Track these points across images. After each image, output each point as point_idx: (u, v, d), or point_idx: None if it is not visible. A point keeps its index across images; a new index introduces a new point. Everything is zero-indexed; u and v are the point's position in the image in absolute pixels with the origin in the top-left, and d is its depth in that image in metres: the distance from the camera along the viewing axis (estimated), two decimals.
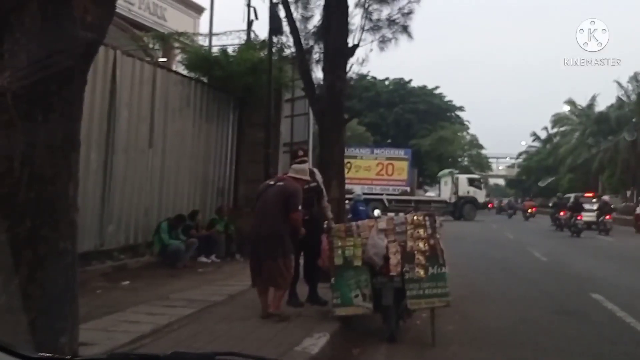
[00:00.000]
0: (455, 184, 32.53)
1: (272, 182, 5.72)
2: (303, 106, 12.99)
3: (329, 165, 7.93)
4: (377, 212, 24.75)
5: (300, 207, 5.43)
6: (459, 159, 48.32)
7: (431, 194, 43.20)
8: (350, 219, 9.79)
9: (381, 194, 29.40)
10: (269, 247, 5.29)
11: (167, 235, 9.03)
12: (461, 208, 31.58)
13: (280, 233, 5.28)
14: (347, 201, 12.94)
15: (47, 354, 1.62)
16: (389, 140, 45.86)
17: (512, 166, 65.74)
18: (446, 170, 36.17)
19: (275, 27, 10.25)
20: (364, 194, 24.02)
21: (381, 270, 5.06)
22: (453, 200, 31.77)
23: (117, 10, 3.58)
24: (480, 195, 32.70)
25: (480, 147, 49.88)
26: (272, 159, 11.08)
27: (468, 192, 32.15)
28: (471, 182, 33.00)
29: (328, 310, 5.52)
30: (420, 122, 47.36)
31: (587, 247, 15.76)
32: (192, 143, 10.67)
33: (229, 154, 12.03)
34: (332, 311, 5.25)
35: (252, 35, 13.57)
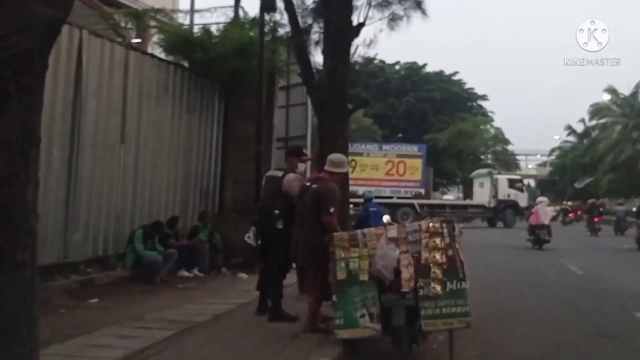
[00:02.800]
0: (494, 185, 32.22)
1: (308, 184, 6.00)
2: (300, 95, 12.98)
3: None
4: (386, 217, 24.91)
5: (332, 209, 5.65)
6: (482, 156, 48.34)
7: (449, 196, 43.08)
8: (357, 226, 9.78)
9: (411, 199, 29.73)
10: (305, 256, 5.75)
11: (142, 245, 9.05)
12: (501, 213, 31.45)
13: (315, 242, 5.52)
14: (351, 206, 12.93)
15: None
16: (399, 135, 45.94)
17: (543, 164, 65.75)
18: (483, 170, 36.11)
19: (267, 3, 10.25)
20: (381, 198, 24.10)
21: (391, 286, 5.06)
22: (492, 204, 31.55)
23: None
24: (522, 199, 32.29)
25: (507, 142, 49.97)
26: (264, 155, 11.08)
27: (509, 195, 31.87)
28: (512, 183, 32.68)
29: (328, 330, 5.52)
30: (436, 113, 47.37)
31: (628, 260, 15.77)
32: (170, 137, 10.69)
33: (214, 150, 12.04)
34: (334, 333, 5.24)
35: (241, 12, 13.57)
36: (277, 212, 6.39)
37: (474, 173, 36.77)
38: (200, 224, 10.66)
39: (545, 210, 18.32)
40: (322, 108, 8.40)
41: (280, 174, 6.68)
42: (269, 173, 7.06)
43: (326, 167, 5.97)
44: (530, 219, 18.78)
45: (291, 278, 7.01)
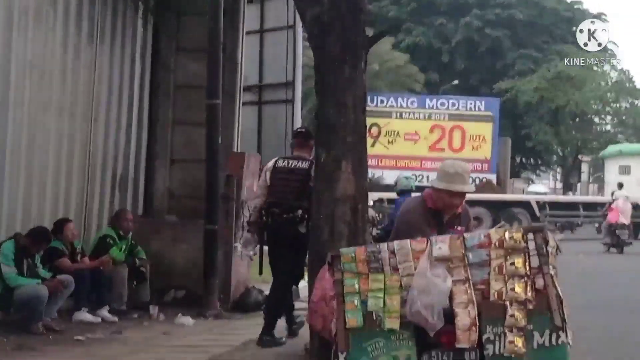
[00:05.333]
0: None
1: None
2: (283, 12, 12.96)
3: (334, 131, 7.93)
4: None
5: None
6: (595, 118, 48.30)
7: (540, 187, 43.02)
8: (383, 234, 9.79)
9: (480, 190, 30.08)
10: None
11: (13, 267, 9.04)
12: None
13: None
14: (379, 202, 12.80)
15: None
16: (454, 82, 45.91)
17: None
18: (630, 146, 36.03)
19: None
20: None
21: (439, 339, 5.09)
22: None
23: None
24: None
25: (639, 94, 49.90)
26: (223, 117, 11.06)
27: None
28: None
29: None
30: (517, 44, 47.31)
31: None
32: (61, 85, 10.67)
33: (137, 107, 12.08)
34: None
35: None
36: (300, 212, 8.27)
37: (610, 150, 36.67)
38: (113, 233, 10.65)
39: (626, 207, 25.33)
40: (322, 35, 8.38)
41: (304, 163, 8.52)
42: (281, 162, 8.74)
43: (432, 182, 6.13)
44: (609, 216, 25.19)
45: None
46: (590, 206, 31.68)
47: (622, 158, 34.93)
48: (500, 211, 28.51)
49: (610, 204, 26.56)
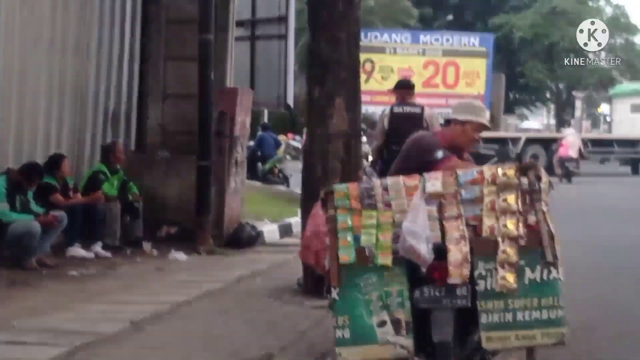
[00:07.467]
0: None
1: None
2: None
3: (327, 67, 7.88)
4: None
5: None
6: (590, 54, 48.11)
7: (533, 124, 43.07)
8: (380, 173, 9.84)
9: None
10: None
11: (6, 203, 9.03)
12: None
13: None
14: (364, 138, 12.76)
15: None
16: (449, 18, 45.56)
17: None
18: None
19: None
20: None
21: (431, 275, 5.10)
22: None
23: None
24: None
25: (634, 30, 49.57)
26: (215, 52, 10.99)
27: None
28: None
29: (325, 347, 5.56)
30: None
31: None
32: (51, 18, 10.55)
33: (129, 43, 11.99)
34: (336, 353, 5.31)
35: None
36: None
37: (622, 88, 37.04)
38: (105, 167, 10.64)
39: (574, 142, 29.22)
40: None
41: (416, 108, 9.81)
42: (397, 109, 9.77)
43: (455, 116, 5.93)
44: (559, 151, 29.26)
45: None
46: (623, 143, 33.44)
47: (636, 97, 36.94)
48: (551, 148, 31.06)
49: (560, 140, 30.50)
